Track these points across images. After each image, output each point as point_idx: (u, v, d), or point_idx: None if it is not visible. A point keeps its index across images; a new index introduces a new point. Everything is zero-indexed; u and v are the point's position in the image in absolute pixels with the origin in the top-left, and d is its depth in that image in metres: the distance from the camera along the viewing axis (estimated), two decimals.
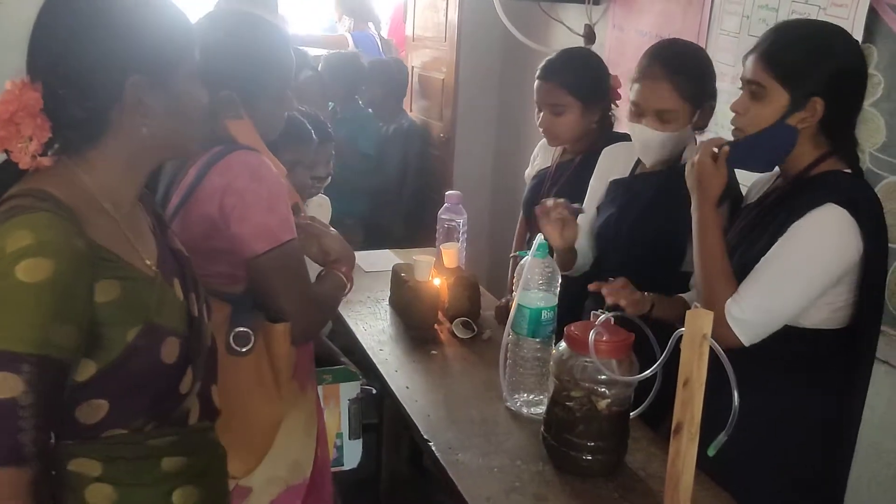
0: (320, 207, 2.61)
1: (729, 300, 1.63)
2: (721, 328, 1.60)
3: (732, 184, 2.00)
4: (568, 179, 2.44)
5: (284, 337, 1.60)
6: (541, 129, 2.44)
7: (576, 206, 1.94)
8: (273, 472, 1.72)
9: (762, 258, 1.62)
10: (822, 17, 2.24)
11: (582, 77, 2.36)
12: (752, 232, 1.70)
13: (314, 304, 1.65)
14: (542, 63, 2.44)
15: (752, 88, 1.64)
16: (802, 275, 1.60)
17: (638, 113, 2.01)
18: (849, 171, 1.66)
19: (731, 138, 1.73)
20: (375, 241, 3.51)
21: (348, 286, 1.81)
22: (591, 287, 1.76)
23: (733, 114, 1.70)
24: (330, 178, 2.48)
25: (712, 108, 2.04)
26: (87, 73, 1.16)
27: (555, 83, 2.36)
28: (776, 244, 1.61)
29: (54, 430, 1.15)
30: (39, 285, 1.06)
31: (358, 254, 2.97)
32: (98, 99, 1.17)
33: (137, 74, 1.18)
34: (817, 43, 1.63)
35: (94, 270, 1.13)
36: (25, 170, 1.16)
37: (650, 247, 2.04)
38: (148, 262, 1.24)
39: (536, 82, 2.41)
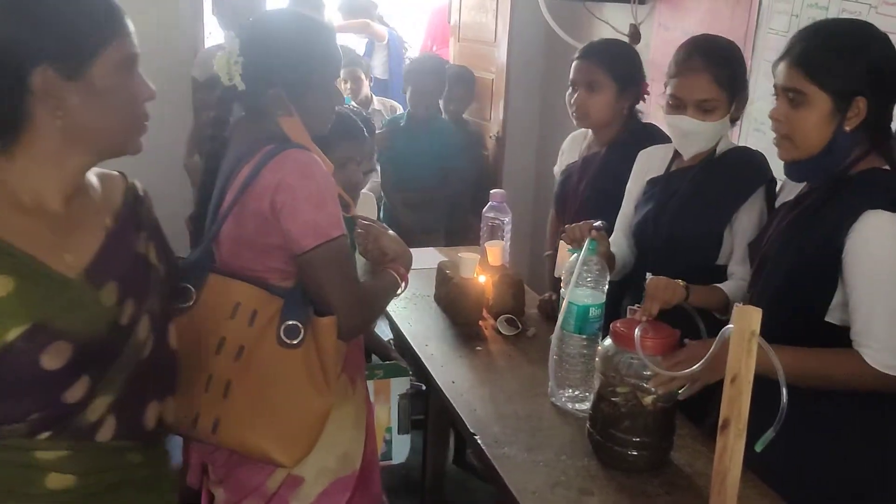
0: (365, 204, 2.65)
1: (870, 357, 1.55)
2: (889, 380, 1.56)
3: (764, 168, 2.00)
4: (596, 171, 2.48)
5: (330, 330, 1.64)
6: (571, 110, 2.49)
7: (597, 223, 1.95)
8: (323, 464, 1.76)
9: (855, 299, 1.58)
10: (872, 17, 2.22)
11: (620, 61, 2.45)
12: (798, 234, 1.68)
13: (361, 299, 1.69)
14: (585, 45, 2.53)
15: (791, 96, 1.63)
16: None
17: (678, 105, 2.04)
18: (887, 168, 1.65)
19: (775, 145, 1.72)
20: (454, 243, 3.48)
21: (402, 286, 1.85)
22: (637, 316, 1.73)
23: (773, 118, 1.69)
24: (374, 172, 2.53)
25: (745, 100, 2.06)
26: None
27: (593, 62, 2.44)
28: (857, 282, 1.57)
29: None
30: None
31: None
32: (7, 92, 1.15)
33: (44, 66, 1.14)
34: (849, 41, 1.62)
35: None
36: None
37: (688, 242, 2.07)
38: (68, 261, 1.20)
39: (574, 63, 2.49)
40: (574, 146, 2.68)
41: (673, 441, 1.73)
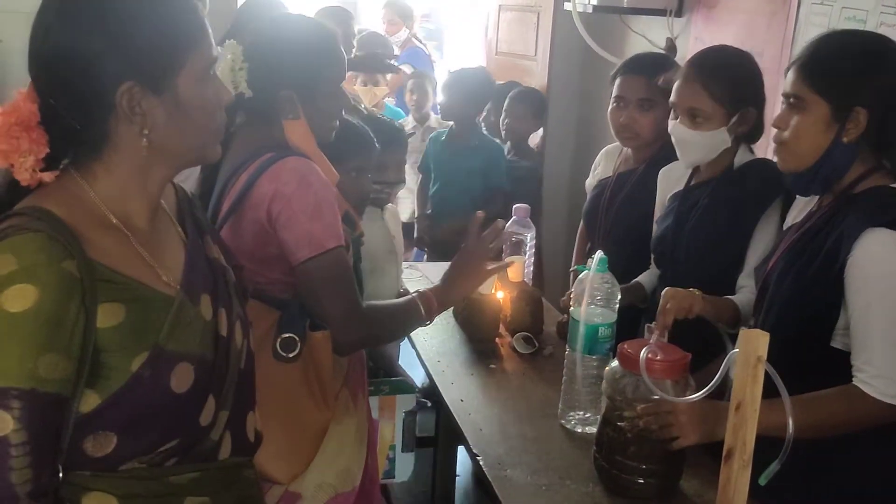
0: (393, 217, 2.62)
1: (867, 387, 1.47)
2: (889, 411, 1.47)
3: (777, 182, 1.92)
4: (631, 188, 2.40)
5: (325, 345, 1.61)
6: (616, 128, 2.40)
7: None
8: (323, 479, 1.73)
9: (854, 321, 1.50)
10: None
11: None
12: (803, 256, 1.61)
13: (360, 314, 1.63)
14: (630, 58, 2.45)
15: (792, 101, 1.58)
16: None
17: (674, 112, 2.02)
18: (894, 186, 1.56)
19: (774, 154, 1.67)
20: None
21: (425, 319, 1.76)
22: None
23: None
24: (402, 184, 2.49)
25: (755, 116, 1.98)
26: (75, 82, 1.08)
27: (645, 78, 2.35)
28: (856, 302, 1.49)
29: (59, 465, 1.06)
30: (25, 314, 0.99)
31: (424, 265, 2.99)
32: (89, 109, 1.09)
33: (130, 81, 1.08)
34: (860, 52, 1.55)
35: (92, 294, 1.04)
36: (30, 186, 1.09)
37: (706, 256, 1.99)
38: (166, 280, 1.15)
39: (620, 78, 2.40)
40: (608, 161, 2.61)
41: (682, 469, 1.65)
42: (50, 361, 1.01)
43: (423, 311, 1.74)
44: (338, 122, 1.75)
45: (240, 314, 1.27)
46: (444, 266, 2.94)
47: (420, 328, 2.37)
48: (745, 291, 1.89)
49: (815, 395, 1.51)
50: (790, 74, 1.60)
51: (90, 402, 1.07)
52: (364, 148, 1.98)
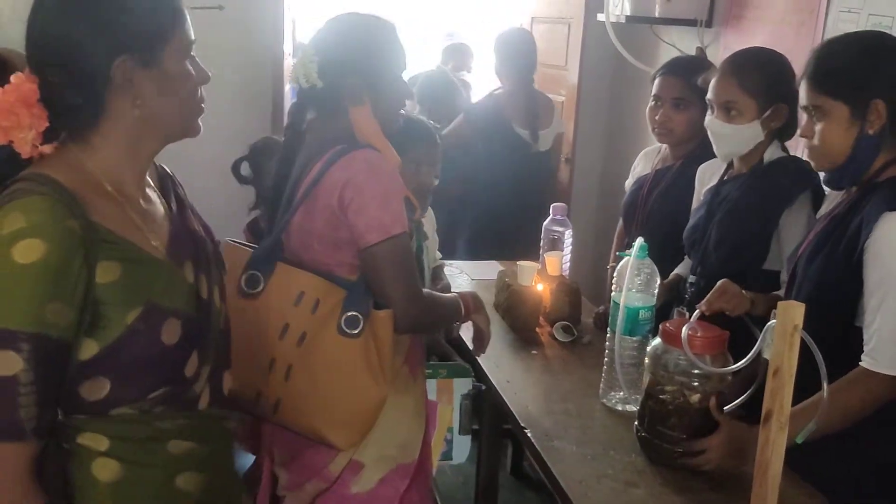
0: (427, 218, 2.74)
1: (871, 363, 1.58)
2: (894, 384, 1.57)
3: (809, 174, 2.04)
4: (668, 183, 2.52)
5: (387, 323, 1.72)
6: (653, 126, 2.54)
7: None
8: (383, 451, 1.83)
9: (866, 299, 1.61)
10: None
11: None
12: (829, 241, 1.72)
13: (421, 296, 1.76)
14: (669, 60, 2.61)
15: (812, 111, 1.70)
16: None
17: (710, 108, 2.15)
18: None
19: (807, 158, 1.80)
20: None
21: (462, 314, 1.96)
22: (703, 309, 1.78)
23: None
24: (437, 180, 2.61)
25: (788, 112, 2.09)
26: (72, 59, 1.18)
27: (681, 79, 2.50)
28: (870, 282, 1.60)
29: (60, 406, 1.18)
30: (33, 265, 1.10)
31: (465, 263, 3.11)
32: (87, 84, 1.19)
33: (124, 55, 1.19)
34: (861, 48, 1.67)
35: (93, 251, 1.15)
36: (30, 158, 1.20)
37: (734, 245, 2.11)
38: (155, 244, 1.26)
39: (659, 78, 2.55)
40: (647, 161, 2.75)
41: None
42: (55, 308, 1.12)
43: (462, 307, 1.95)
44: (402, 107, 1.87)
45: (217, 281, 1.38)
46: (480, 265, 3.11)
47: None
48: None
49: (830, 389, 1.59)
50: (802, 88, 1.71)
51: (89, 349, 1.18)
52: (424, 141, 2.11)
